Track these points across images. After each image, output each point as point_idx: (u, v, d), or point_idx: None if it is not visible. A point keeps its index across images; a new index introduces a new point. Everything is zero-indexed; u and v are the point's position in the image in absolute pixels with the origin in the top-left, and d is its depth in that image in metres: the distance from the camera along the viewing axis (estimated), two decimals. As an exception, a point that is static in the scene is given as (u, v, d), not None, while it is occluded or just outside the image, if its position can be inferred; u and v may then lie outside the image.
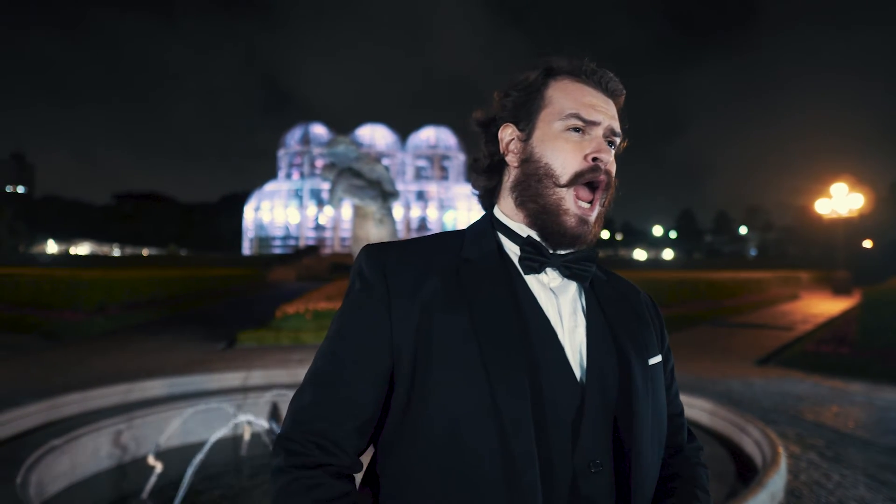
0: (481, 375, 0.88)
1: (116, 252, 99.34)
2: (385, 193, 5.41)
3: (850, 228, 36.57)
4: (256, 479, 4.74)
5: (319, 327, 11.15)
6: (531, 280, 1.00)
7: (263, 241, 65.61)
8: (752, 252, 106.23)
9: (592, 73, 1.04)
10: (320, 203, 62.81)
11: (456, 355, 0.90)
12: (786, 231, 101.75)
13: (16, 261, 57.24)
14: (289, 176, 66.72)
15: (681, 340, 11.71)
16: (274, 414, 5.56)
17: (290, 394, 5.43)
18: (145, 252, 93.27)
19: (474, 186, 1.14)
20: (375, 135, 65.02)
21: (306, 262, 47.48)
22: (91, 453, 4.49)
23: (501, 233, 1.05)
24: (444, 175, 66.55)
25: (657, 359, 1.04)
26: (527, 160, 1.02)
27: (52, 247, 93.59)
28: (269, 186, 67.25)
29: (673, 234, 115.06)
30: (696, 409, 5.39)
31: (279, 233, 65.37)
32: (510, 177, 1.06)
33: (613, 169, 1.02)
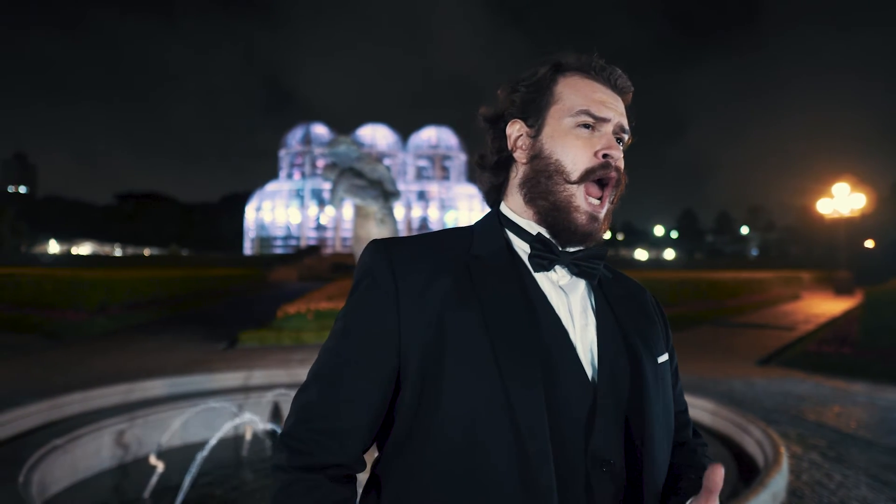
0: (495, 374, 0.86)
1: (118, 252, 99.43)
2: (386, 193, 5.40)
3: (852, 228, 36.55)
4: (258, 478, 4.74)
5: (321, 327, 11.16)
6: (541, 278, 0.99)
7: (264, 241, 65.63)
8: (754, 252, 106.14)
9: (601, 69, 1.03)
10: (321, 203, 62.85)
11: (469, 353, 0.88)
12: (787, 231, 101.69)
13: (17, 261, 57.27)
14: (290, 176, 66.74)
15: (682, 340, 11.70)
16: (275, 414, 5.56)
17: (292, 394, 5.43)
18: (147, 252, 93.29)
19: (480, 183, 1.13)
20: (377, 135, 65.05)
21: (307, 261, 47.50)
22: (92, 453, 4.49)
23: (509, 230, 1.04)
24: (445, 175, 66.55)
25: (665, 357, 1.04)
26: (536, 156, 1.01)
27: (53, 247, 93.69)
28: (271, 186, 67.28)
29: (674, 234, 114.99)
30: (697, 409, 5.39)
31: (280, 233, 65.39)
32: (518, 173, 1.05)
33: (622, 166, 1.01)
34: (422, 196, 65.30)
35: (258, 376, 6.57)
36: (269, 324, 11.88)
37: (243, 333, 11.04)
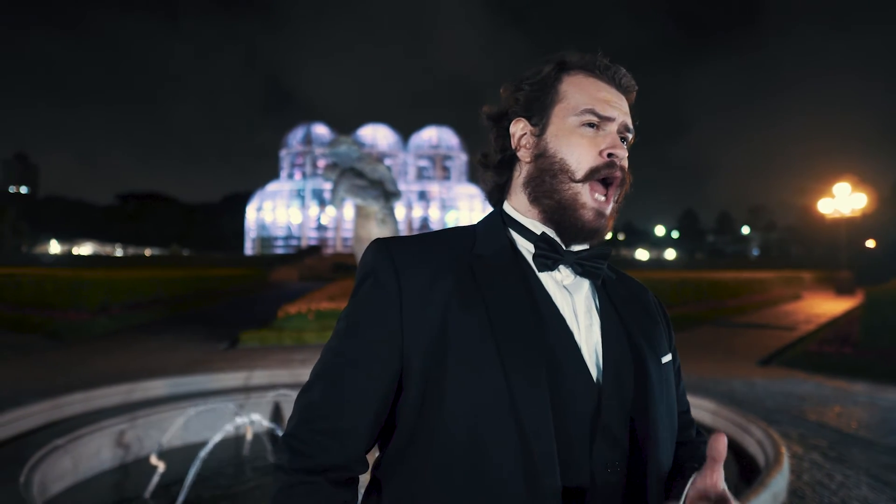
0: (499, 374, 0.86)
1: (119, 252, 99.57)
2: (387, 193, 5.41)
3: (853, 228, 36.54)
4: (259, 479, 4.74)
5: (322, 327, 11.16)
6: (545, 278, 0.98)
7: (265, 241, 65.74)
8: (755, 252, 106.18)
9: (606, 68, 1.03)
10: (322, 203, 62.93)
11: (473, 353, 0.87)
12: (788, 231, 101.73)
13: (19, 261, 57.38)
14: (291, 176, 66.83)
15: (683, 341, 11.69)
16: (276, 414, 5.56)
17: (293, 394, 5.43)
18: (148, 252, 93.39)
19: (483, 182, 1.12)
20: (377, 135, 65.14)
21: (308, 262, 47.58)
22: (94, 453, 4.49)
23: (513, 229, 1.03)
24: (445, 175, 66.62)
25: (668, 357, 1.03)
26: (541, 155, 1.01)
27: (54, 247, 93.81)
28: (272, 186, 67.37)
29: (675, 234, 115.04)
30: (698, 409, 5.39)
31: (281, 233, 65.50)
32: (522, 172, 1.05)
33: (626, 165, 1.01)
34: (423, 196, 65.37)
35: (259, 376, 6.57)
36: (271, 324, 11.88)
37: (244, 333, 11.04)
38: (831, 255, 54.02)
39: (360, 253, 5.02)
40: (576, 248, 1.01)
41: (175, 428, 4.89)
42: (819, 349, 9.85)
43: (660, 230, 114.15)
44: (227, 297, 21.79)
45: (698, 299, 17.97)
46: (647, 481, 0.91)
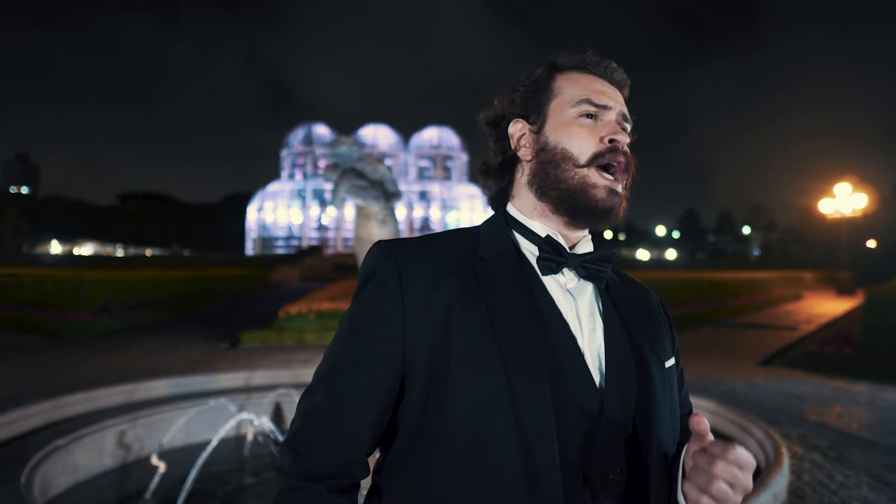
0: (501, 377, 0.86)
1: (120, 252, 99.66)
2: (388, 194, 5.40)
3: (854, 228, 36.48)
4: (259, 479, 4.74)
5: (323, 327, 11.15)
6: (548, 281, 0.97)
7: (266, 241, 65.75)
8: (756, 252, 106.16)
9: (597, 64, 1.03)
10: (323, 203, 62.96)
11: (475, 356, 0.87)
12: (789, 231, 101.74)
13: (19, 261, 57.43)
14: (292, 176, 66.87)
15: (684, 341, 11.69)
16: (277, 414, 5.56)
17: (294, 394, 5.44)
18: (149, 252, 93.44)
19: (485, 188, 1.11)
20: (378, 135, 65.15)
21: (309, 262, 47.59)
22: (95, 453, 4.50)
23: (517, 231, 1.03)
24: (446, 175, 66.63)
25: (671, 361, 1.03)
26: (542, 150, 1.01)
27: (55, 247, 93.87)
28: (272, 187, 67.40)
29: (676, 234, 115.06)
30: (699, 409, 5.37)
31: (282, 233, 65.52)
32: (524, 172, 1.04)
33: (629, 151, 1.01)
34: (423, 196, 65.36)
35: (260, 376, 6.57)
36: (271, 324, 11.88)
37: (245, 334, 11.04)
38: (832, 256, 53.97)
39: (360, 253, 5.02)
40: (580, 250, 1.01)
41: (176, 428, 4.90)
42: (820, 349, 9.85)
43: (660, 230, 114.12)
44: (227, 298, 21.80)
45: (699, 299, 17.96)
46: (650, 485, 0.91)
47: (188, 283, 19.80)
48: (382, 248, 0.97)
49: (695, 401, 5.37)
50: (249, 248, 68.41)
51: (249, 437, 5.21)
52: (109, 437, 4.65)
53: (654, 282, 17.34)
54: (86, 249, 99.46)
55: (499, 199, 1.10)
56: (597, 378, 0.93)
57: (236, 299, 21.64)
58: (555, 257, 0.97)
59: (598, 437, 0.90)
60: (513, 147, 1.05)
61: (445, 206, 64.83)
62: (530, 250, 1.00)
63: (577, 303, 0.97)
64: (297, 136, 66.86)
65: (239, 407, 5.26)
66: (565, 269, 0.99)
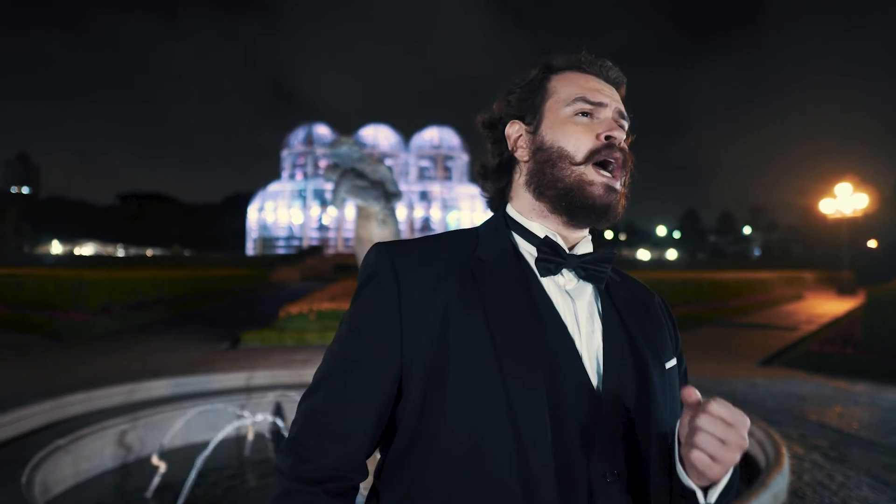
0: (498, 379, 0.86)
1: (120, 252, 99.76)
2: (388, 194, 5.40)
3: (855, 228, 36.51)
4: (260, 479, 4.75)
5: (323, 328, 11.15)
6: (547, 282, 0.97)
7: (267, 241, 65.78)
8: (756, 252, 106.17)
9: (591, 62, 1.03)
10: (324, 203, 62.97)
11: (472, 358, 0.87)
12: (790, 231, 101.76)
13: (20, 261, 57.50)
14: (292, 176, 66.90)
15: (685, 341, 11.46)
16: (278, 414, 5.56)
17: (294, 394, 5.45)
18: (149, 252, 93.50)
19: (484, 191, 1.12)
20: (379, 135, 65.16)
21: (310, 262, 47.61)
22: (95, 453, 4.51)
23: (516, 232, 1.02)
24: (447, 175, 66.63)
25: (673, 362, 1.02)
26: (538, 149, 1.01)
27: (56, 247, 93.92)
28: (273, 187, 67.44)
29: (676, 235, 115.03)
30: (699, 409, 5.38)
31: (282, 233, 65.54)
32: (522, 173, 1.04)
33: (626, 147, 1.00)
34: (424, 196, 65.36)
35: (261, 376, 6.57)
36: (272, 324, 11.88)
37: (246, 334, 11.05)
38: (833, 256, 53.97)
39: (361, 253, 5.02)
40: (580, 251, 1.01)
41: (176, 428, 4.90)
42: (820, 349, 9.85)
43: (661, 230, 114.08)
44: (228, 298, 21.81)
45: (700, 299, 17.96)
46: (650, 490, 0.89)
47: (188, 284, 19.81)
48: (380, 250, 0.98)
49: (695, 401, 5.37)
50: (250, 249, 68.44)
51: (250, 436, 5.21)
52: (110, 437, 4.65)
53: (655, 282, 17.34)
54: (86, 249, 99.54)
55: (497, 200, 1.10)
56: (594, 380, 0.93)
57: (237, 299, 21.65)
58: (553, 258, 0.96)
59: (596, 439, 0.89)
60: (510, 148, 1.05)
61: (446, 207, 64.83)
62: (529, 251, 1.00)
63: (575, 304, 0.97)
64: (298, 136, 66.89)
65: (239, 407, 5.26)
66: (564, 270, 0.98)
